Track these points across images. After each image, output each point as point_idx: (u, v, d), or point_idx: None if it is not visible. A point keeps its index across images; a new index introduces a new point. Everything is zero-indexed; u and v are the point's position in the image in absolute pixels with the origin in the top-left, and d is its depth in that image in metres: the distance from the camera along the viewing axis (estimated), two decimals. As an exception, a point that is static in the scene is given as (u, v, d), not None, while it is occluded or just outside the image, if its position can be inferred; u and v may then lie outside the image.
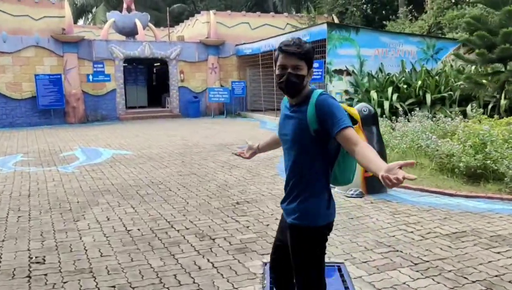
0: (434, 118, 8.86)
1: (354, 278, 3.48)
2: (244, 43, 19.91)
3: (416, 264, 3.72)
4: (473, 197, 5.74)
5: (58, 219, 5.22)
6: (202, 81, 20.16)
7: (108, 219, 5.18)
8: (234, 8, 28.82)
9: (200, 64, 20.05)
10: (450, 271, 3.57)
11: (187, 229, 4.79)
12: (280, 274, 2.56)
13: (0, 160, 9.45)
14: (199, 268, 3.76)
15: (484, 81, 9.09)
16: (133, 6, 21.58)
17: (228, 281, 3.50)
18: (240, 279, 3.54)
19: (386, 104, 11.29)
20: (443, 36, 16.45)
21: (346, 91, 13.73)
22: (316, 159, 2.21)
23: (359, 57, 13.89)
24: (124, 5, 21.34)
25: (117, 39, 19.81)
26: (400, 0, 21.99)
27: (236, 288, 3.38)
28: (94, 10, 33.13)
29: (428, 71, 12.50)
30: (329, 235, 2.32)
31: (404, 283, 3.38)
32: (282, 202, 2.38)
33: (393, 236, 4.42)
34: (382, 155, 6.19)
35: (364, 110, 6.15)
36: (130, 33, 20.59)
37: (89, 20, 34.41)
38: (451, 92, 11.02)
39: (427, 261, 3.77)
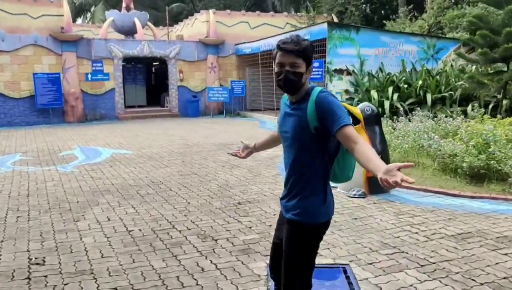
0: (435, 118, 8.82)
1: (360, 280, 3.43)
2: (243, 43, 19.84)
3: (422, 265, 3.67)
4: (477, 197, 5.69)
5: (57, 219, 5.15)
6: (202, 80, 20.08)
7: (109, 219, 5.12)
8: (233, 7, 28.74)
9: (200, 64, 19.98)
10: (457, 273, 3.51)
11: (189, 229, 4.73)
12: (280, 275, 2.52)
13: (-1, 159, 9.38)
14: (202, 269, 3.70)
15: (486, 81, 9.03)
16: (132, 5, 21.49)
17: (232, 283, 3.44)
18: (244, 281, 3.48)
19: (387, 104, 11.25)
20: (443, 36, 16.41)
21: (347, 91, 13.68)
22: (316, 156, 2.21)
23: (360, 56, 13.84)
24: (123, 4, 21.24)
25: (116, 38, 19.72)
26: (400, 0, 21.96)
27: (240, 290, 3.32)
28: (92, 9, 33.03)
29: (428, 71, 12.46)
30: (325, 233, 2.34)
31: (411, 285, 3.32)
32: (281, 198, 2.38)
33: (398, 237, 4.37)
34: (385, 154, 6.14)
35: (367, 110, 6.10)
36: (129, 32, 20.51)
37: (88, 19, 34.30)
38: (452, 92, 10.99)
39: (434, 263, 3.72)
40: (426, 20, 18.26)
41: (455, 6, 17.81)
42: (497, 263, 3.69)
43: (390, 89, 11.81)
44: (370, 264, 3.73)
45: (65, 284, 3.46)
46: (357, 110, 5.89)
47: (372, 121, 6.08)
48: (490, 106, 10.03)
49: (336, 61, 13.60)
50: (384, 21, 20.87)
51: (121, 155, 9.72)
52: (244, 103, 20.85)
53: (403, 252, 3.98)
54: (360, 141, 2.03)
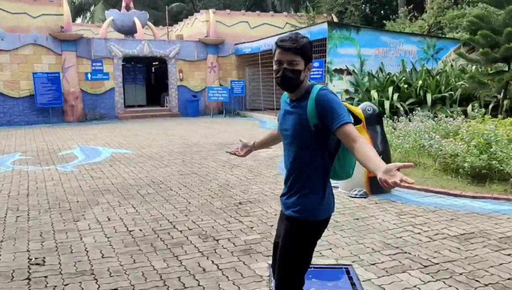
0: (435, 118, 8.80)
1: (363, 281, 3.40)
2: (243, 42, 19.82)
3: (425, 266, 3.64)
4: (479, 197, 5.67)
5: (57, 219, 5.12)
6: (201, 80, 20.05)
7: (109, 219, 5.09)
8: (233, 7, 28.72)
9: (199, 63, 19.95)
10: (461, 273, 3.49)
11: (190, 229, 4.70)
12: None
13: (-2, 159, 9.34)
14: (204, 270, 3.67)
15: (487, 81, 9.01)
16: (132, 5, 21.45)
17: (234, 284, 3.41)
18: (246, 281, 3.45)
19: (387, 104, 11.21)
20: (443, 36, 16.39)
21: (347, 91, 13.65)
22: (316, 154, 2.21)
23: (360, 56, 13.81)
24: (123, 3, 21.20)
25: (116, 38, 19.68)
26: (400, 0, 21.94)
27: (242, 291, 3.29)
28: (92, 8, 32.97)
29: (428, 71, 12.43)
30: (324, 230, 2.34)
31: (415, 286, 3.30)
32: (281, 195, 2.38)
33: (400, 237, 4.34)
34: (386, 154, 6.12)
35: (368, 110, 6.07)
36: (129, 31, 20.48)
37: (87, 18, 34.25)
38: (452, 92, 10.97)
39: (437, 263, 3.69)
40: (426, 20, 18.24)
41: (455, 6, 17.80)
42: (500, 264, 3.67)
43: (390, 89, 11.78)
44: (373, 264, 3.71)
45: (66, 285, 3.43)
46: (358, 110, 5.87)
47: (373, 121, 6.06)
48: (490, 106, 10.01)
49: (336, 61, 13.57)
50: (384, 21, 20.85)
51: (121, 154, 9.68)
52: (244, 103, 20.83)
53: (405, 252, 3.96)
54: (360, 140, 2.03)
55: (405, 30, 17.94)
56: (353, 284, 3.35)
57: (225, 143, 10.87)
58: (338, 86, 13.57)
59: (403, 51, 14.37)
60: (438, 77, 11.85)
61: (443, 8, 17.65)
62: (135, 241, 4.36)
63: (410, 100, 11.31)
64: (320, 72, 13.86)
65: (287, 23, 21.32)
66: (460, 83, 10.67)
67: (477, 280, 3.37)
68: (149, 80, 24.50)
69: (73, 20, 27.07)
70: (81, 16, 34.30)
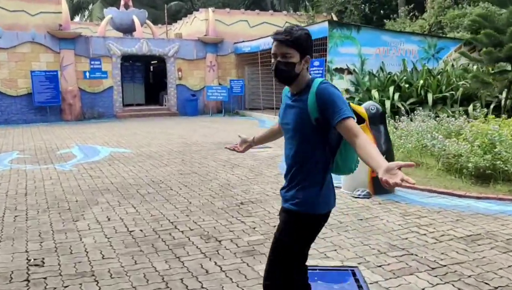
0: (437, 118, 8.74)
1: (370, 283, 3.32)
2: (242, 41, 19.72)
3: (433, 268, 3.57)
4: (483, 198, 5.59)
5: (56, 219, 5.03)
6: (200, 79, 19.96)
7: (109, 219, 5.00)
8: (232, 6, 28.63)
9: (198, 62, 19.85)
10: (469, 276, 3.41)
11: (192, 230, 4.62)
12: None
13: (-5, 157, 9.24)
14: (207, 271, 3.59)
15: (490, 80, 8.96)
16: (130, 3, 21.32)
17: (238, 286, 3.33)
18: (250, 283, 3.37)
19: (388, 104, 11.15)
20: (444, 35, 16.34)
21: (347, 90, 13.59)
22: (317, 147, 2.19)
23: (360, 55, 13.76)
24: (122, 2, 21.06)
25: (115, 36, 19.57)
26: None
27: (247, 294, 3.22)
28: (90, 7, 32.84)
29: (429, 70, 12.39)
30: (323, 225, 2.33)
31: (424, 289, 3.22)
32: (281, 189, 2.35)
33: (406, 239, 4.27)
34: (390, 154, 6.05)
35: (372, 109, 6.00)
36: (128, 30, 20.37)
37: (86, 17, 34.12)
38: (453, 92, 10.91)
39: (445, 265, 3.62)
40: (427, 20, 18.20)
41: (455, 6, 17.75)
42: (509, 266, 3.59)
43: (391, 88, 11.72)
44: (379, 266, 3.63)
45: (66, 287, 3.34)
46: (362, 109, 5.79)
47: (377, 121, 5.99)
48: (492, 106, 9.96)
49: (336, 60, 13.52)
50: (385, 20, 20.80)
51: (119, 153, 9.59)
52: (243, 102, 20.75)
53: (412, 254, 3.88)
54: (362, 135, 2.01)
55: (405, 29, 17.89)
56: (359, 287, 3.27)
57: (225, 143, 10.77)
58: (339, 85, 13.22)
59: (404, 51, 14.33)
60: (439, 77, 11.81)
61: (443, 7, 17.62)
62: (136, 242, 4.28)
63: (411, 100, 11.26)
64: (321, 71, 13.78)
65: (286, 22, 21.21)
66: (462, 82, 10.61)
67: (486, 283, 3.30)
68: (148, 79, 24.40)
69: (72, 18, 26.95)
70: (80, 15, 34.16)
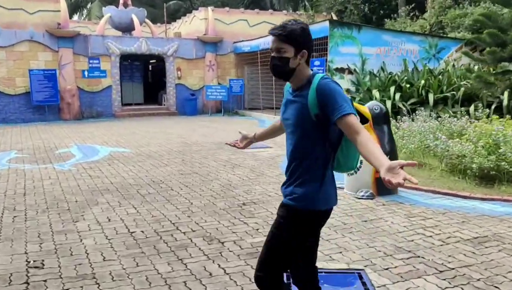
0: (438, 118, 8.67)
1: (378, 286, 3.25)
2: (242, 41, 19.63)
3: (441, 271, 3.50)
4: (488, 199, 5.54)
5: (56, 220, 4.95)
6: (200, 78, 19.87)
7: (109, 220, 4.92)
8: (231, 5, 28.53)
9: (198, 61, 19.76)
10: (479, 279, 3.35)
11: (194, 231, 4.54)
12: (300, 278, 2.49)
13: (-6, 157, 9.14)
14: (210, 274, 3.52)
15: (493, 80, 8.90)
16: (129, 2, 21.21)
17: (242, 289, 3.26)
18: (255, 286, 3.26)
19: (389, 104, 11.07)
20: (445, 35, 16.29)
21: (348, 90, 13.52)
22: (317, 143, 2.18)
23: (361, 55, 13.70)
24: (121, 0, 20.95)
25: (113, 35, 19.46)
26: (400, -1, 21.86)
27: (252, 297, 3.14)
28: (89, 5, 32.71)
29: (430, 70, 12.33)
30: (323, 224, 2.32)
31: (433, 292, 3.16)
32: (282, 185, 2.33)
33: (412, 241, 4.20)
34: (394, 154, 5.97)
35: (375, 109, 5.93)
36: (127, 28, 20.25)
37: (84, 15, 33.97)
38: (454, 92, 10.86)
39: (453, 268, 3.55)
40: (428, 20, 18.15)
41: (456, 6, 17.70)
42: (518, 269, 3.54)
43: (392, 88, 11.65)
44: (386, 269, 3.56)
45: (66, 289, 3.27)
46: (365, 109, 5.72)
47: (380, 121, 5.92)
48: (493, 106, 9.91)
49: (337, 60, 13.45)
50: (385, 20, 20.74)
51: (119, 153, 9.51)
52: (243, 102, 20.66)
53: (419, 256, 3.81)
54: (363, 132, 1.97)
55: (406, 29, 17.84)
56: (367, 290, 3.21)
57: (225, 142, 10.71)
58: (339, 85, 13.43)
59: (405, 51, 14.27)
60: (440, 77, 11.74)
61: (444, 7, 17.56)
62: (137, 243, 4.20)
63: (412, 100, 11.19)
64: (321, 71, 13.67)
65: (286, 21, 21.13)
66: (463, 82, 10.55)
67: (496, 287, 3.23)
68: (147, 78, 24.29)
69: (70, 17, 26.77)
70: (78, 13, 34.00)
